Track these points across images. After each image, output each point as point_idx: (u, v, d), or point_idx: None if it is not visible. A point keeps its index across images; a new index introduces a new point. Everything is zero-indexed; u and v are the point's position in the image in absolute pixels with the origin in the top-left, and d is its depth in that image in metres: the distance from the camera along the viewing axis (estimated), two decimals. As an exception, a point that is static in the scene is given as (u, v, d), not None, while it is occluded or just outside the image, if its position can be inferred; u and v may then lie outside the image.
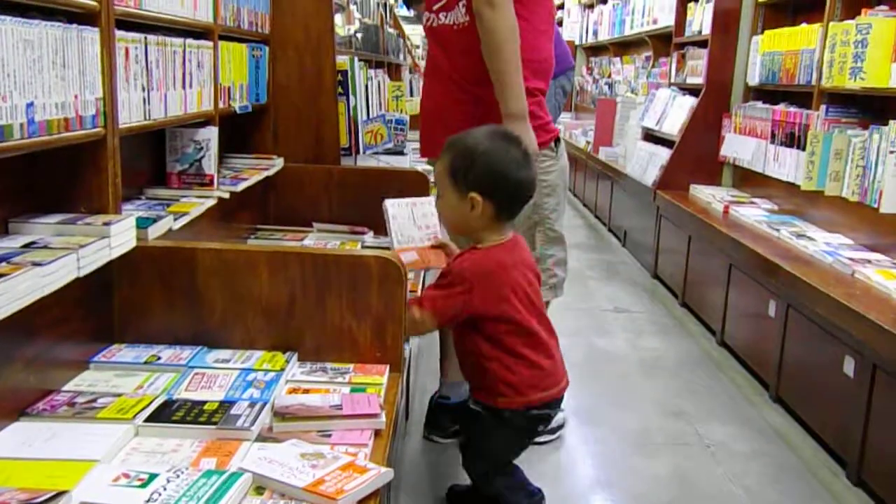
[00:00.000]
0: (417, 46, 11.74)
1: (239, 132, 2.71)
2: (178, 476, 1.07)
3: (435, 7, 2.15)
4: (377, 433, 1.31)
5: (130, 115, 1.61)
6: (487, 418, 1.75)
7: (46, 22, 1.28)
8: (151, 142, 2.04)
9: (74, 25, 1.36)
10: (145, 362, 1.47)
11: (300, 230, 2.68)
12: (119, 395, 1.33)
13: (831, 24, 2.97)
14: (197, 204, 1.91)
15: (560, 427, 2.46)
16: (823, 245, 2.79)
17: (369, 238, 2.65)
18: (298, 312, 1.56)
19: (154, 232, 1.60)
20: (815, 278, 2.44)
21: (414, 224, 1.91)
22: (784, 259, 2.69)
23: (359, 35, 3.99)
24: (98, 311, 1.53)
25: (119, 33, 1.53)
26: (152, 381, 1.41)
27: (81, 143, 1.41)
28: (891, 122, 2.56)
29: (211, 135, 2.09)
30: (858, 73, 2.73)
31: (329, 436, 1.26)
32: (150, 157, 2.06)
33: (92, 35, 1.42)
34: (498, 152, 1.66)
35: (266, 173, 2.51)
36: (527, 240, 1.94)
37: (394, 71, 5.54)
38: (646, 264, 4.48)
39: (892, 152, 2.52)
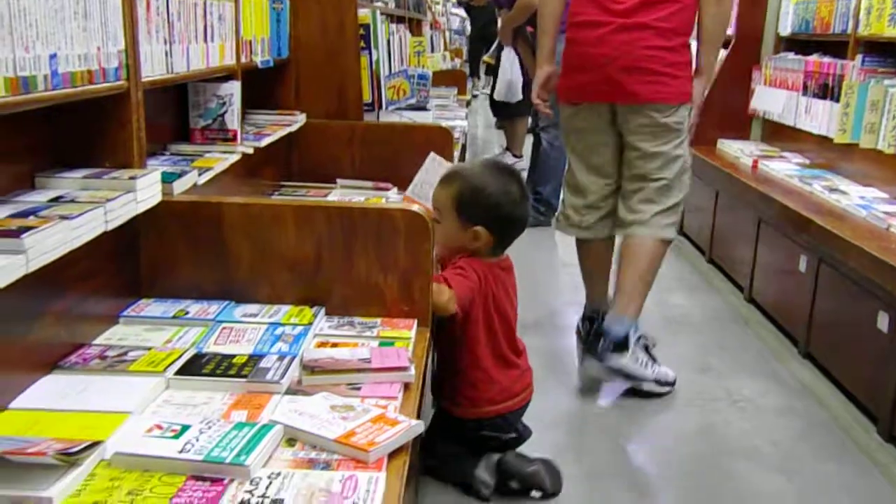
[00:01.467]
0: (437, 2, 11.61)
1: (261, 87, 2.69)
2: (210, 427, 1.07)
3: None
4: (407, 386, 1.30)
5: (153, 68, 1.59)
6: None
7: (67, -30, 1.25)
8: (174, 97, 2.02)
9: (95, -25, 1.33)
10: (174, 316, 1.47)
11: (324, 186, 2.66)
12: (149, 348, 1.33)
13: (869, -31, 2.88)
14: (221, 159, 1.90)
15: (672, 383, 2.44)
16: (857, 199, 2.73)
17: (393, 194, 2.63)
18: (325, 266, 1.55)
19: (179, 187, 1.59)
20: (849, 232, 2.39)
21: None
22: (816, 213, 2.64)
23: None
24: (126, 266, 1.53)
25: (140, -16, 1.50)
26: (181, 336, 1.41)
27: (105, 96, 1.39)
28: (930, 71, 2.49)
29: (234, 89, 2.07)
30: (897, 20, 2.65)
31: (359, 388, 1.26)
32: (174, 112, 2.04)
33: (113, -15, 1.39)
34: (503, 191, 1.77)
35: (289, 129, 2.49)
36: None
37: (415, 26, 5.46)
38: (671, 220, 4.43)
39: (930, 102, 2.45)
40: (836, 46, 3.25)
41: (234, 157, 1.98)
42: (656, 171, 2.35)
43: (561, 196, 2.66)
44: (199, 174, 1.72)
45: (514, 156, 5.71)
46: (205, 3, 1.86)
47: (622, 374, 2.34)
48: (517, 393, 1.83)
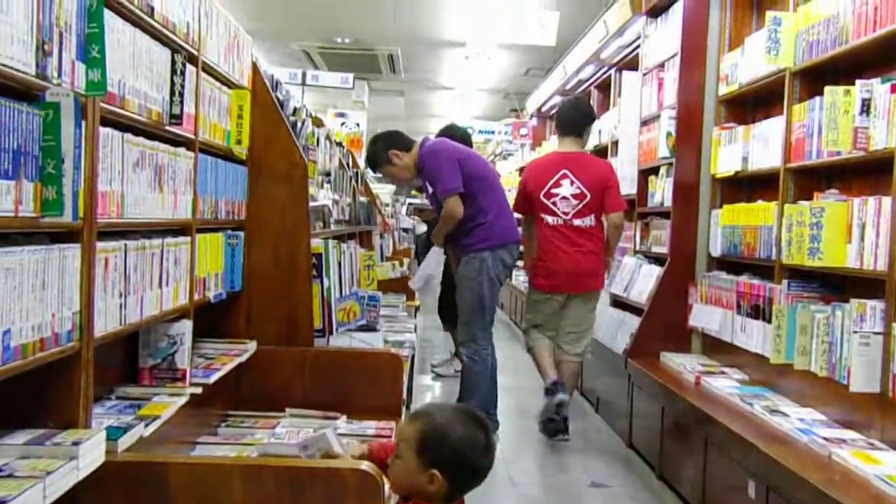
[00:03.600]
0: (387, 205, 12.11)
1: (212, 317, 2.72)
2: None
3: (569, 214, 4.33)
4: None
5: (106, 324, 1.61)
6: None
7: (28, 247, 1.30)
8: (124, 337, 2.03)
9: (56, 246, 1.38)
10: (107, 592, 1.40)
11: (272, 416, 2.63)
12: None
13: (786, 205, 3.12)
14: (168, 405, 1.88)
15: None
16: (797, 421, 2.80)
17: (342, 423, 2.61)
18: (271, 528, 1.51)
19: (125, 443, 1.56)
20: (793, 460, 2.42)
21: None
22: (759, 438, 2.68)
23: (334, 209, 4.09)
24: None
25: (100, 244, 1.55)
26: None
27: (55, 360, 1.40)
28: (852, 300, 2.64)
29: (185, 329, 2.09)
30: (816, 254, 2.84)
31: None
32: (123, 351, 2.04)
33: (73, 252, 1.44)
34: (468, 439, 1.73)
35: (239, 359, 2.50)
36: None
37: (365, 238, 5.65)
38: (620, 431, 4.44)
39: (855, 332, 2.58)
40: (764, 269, 3.46)
41: (183, 400, 1.97)
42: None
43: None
44: (146, 425, 1.69)
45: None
46: (162, 251, 1.92)
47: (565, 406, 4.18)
48: None
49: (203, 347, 2.57)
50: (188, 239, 2.10)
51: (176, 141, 2.01)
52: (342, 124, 11.68)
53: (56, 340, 1.38)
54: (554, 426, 4.22)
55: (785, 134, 3.26)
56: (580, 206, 4.30)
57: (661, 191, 4.44)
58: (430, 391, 5.66)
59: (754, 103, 3.95)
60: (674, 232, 4.17)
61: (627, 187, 4.93)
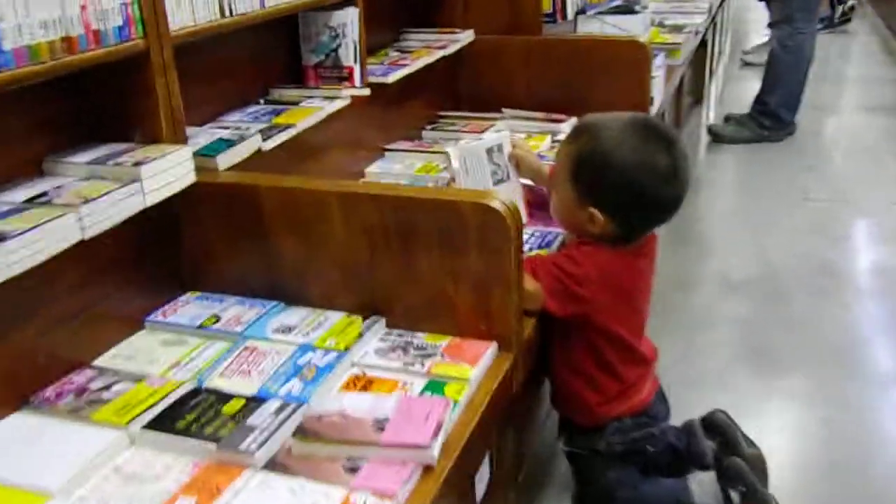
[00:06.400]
0: None
1: (424, 2, 2.33)
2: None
3: None
4: (427, 469, 0.95)
5: (195, 12, 1.31)
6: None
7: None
8: (286, 27, 1.74)
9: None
10: (200, 326, 1.24)
11: (487, 118, 2.28)
12: (142, 378, 1.11)
13: None
14: (314, 110, 1.60)
15: None
16: None
17: (567, 127, 2.19)
18: (381, 268, 1.21)
19: (226, 161, 1.32)
20: None
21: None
22: None
23: None
24: (162, 256, 1.31)
25: None
26: (194, 356, 1.17)
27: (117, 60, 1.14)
28: None
29: (347, 18, 1.73)
30: None
31: (356, 471, 0.94)
32: (284, 46, 1.77)
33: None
34: (641, 164, 1.27)
35: (441, 53, 2.12)
36: None
37: None
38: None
39: None
40: None
41: (339, 104, 1.67)
42: None
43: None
44: (266, 137, 1.43)
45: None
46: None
47: None
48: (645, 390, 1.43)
49: (407, 39, 2.23)
50: None
51: None
52: None
53: (98, 39, 1.11)
54: None
55: None
56: None
57: None
58: (732, 83, 4.84)
59: None
60: None
61: None
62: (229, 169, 1.32)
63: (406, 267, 1.20)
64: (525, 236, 1.51)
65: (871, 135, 3.82)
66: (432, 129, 2.22)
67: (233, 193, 1.27)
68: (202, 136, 1.39)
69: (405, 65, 1.95)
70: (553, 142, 2.09)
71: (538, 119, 2.23)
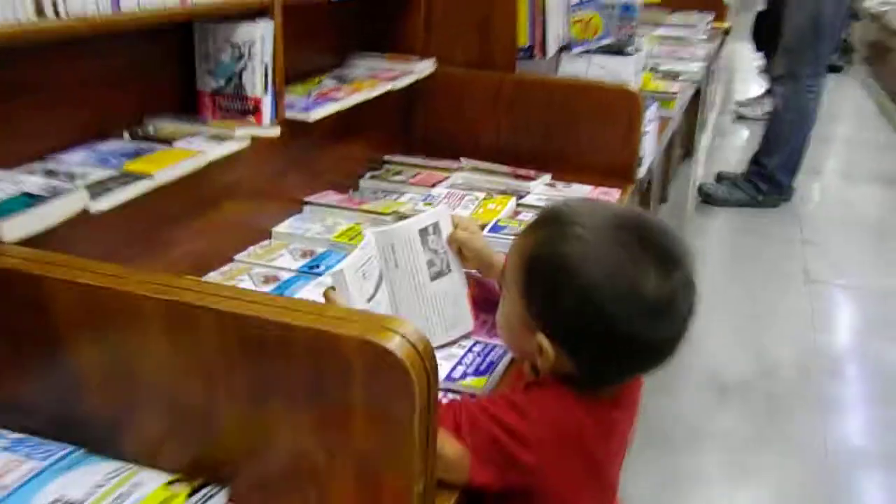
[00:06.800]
0: None
1: (378, 21, 1.92)
2: None
3: None
4: None
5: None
6: None
7: None
8: (178, 38, 1.32)
9: None
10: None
11: (441, 167, 1.88)
12: None
13: None
14: (187, 154, 1.17)
15: None
16: None
17: (537, 186, 1.79)
18: (223, 415, 0.79)
19: (17, 229, 0.88)
20: None
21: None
22: None
23: None
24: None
25: None
26: None
27: None
28: None
29: (257, 34, 1.31)
30: None
31: None
32: (174, 62, 1.35)
33: None
34: (614, 284, 0.84)
35: (389, 86, 1.70)
36: None
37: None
38: None
39: None
40: None
41: (230, 148, 1.25)
42: None
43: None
44: (95, 196, 1.00)
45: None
46: None
47: None
48: None
49: (352, 65, 1.82)
50: None
51: None
52: None
53: None
54: None
55: None
56: None
57: None
58: (725, 138, 4.48)
59: None
60: None
61: None
62: (26, 242, 0.89)
63: (257, 420, 0.78)
64: (458, 352, 1.10)
65: (873, 205, 3.49)
66: (372, 178, 1.81)
67: (14, 281, 0.84)
68: (2, 185, 0.97)
69: (336, 99, 1.53)
70: (518, 205, 1.68)
71: (502, 174, 1.83)
